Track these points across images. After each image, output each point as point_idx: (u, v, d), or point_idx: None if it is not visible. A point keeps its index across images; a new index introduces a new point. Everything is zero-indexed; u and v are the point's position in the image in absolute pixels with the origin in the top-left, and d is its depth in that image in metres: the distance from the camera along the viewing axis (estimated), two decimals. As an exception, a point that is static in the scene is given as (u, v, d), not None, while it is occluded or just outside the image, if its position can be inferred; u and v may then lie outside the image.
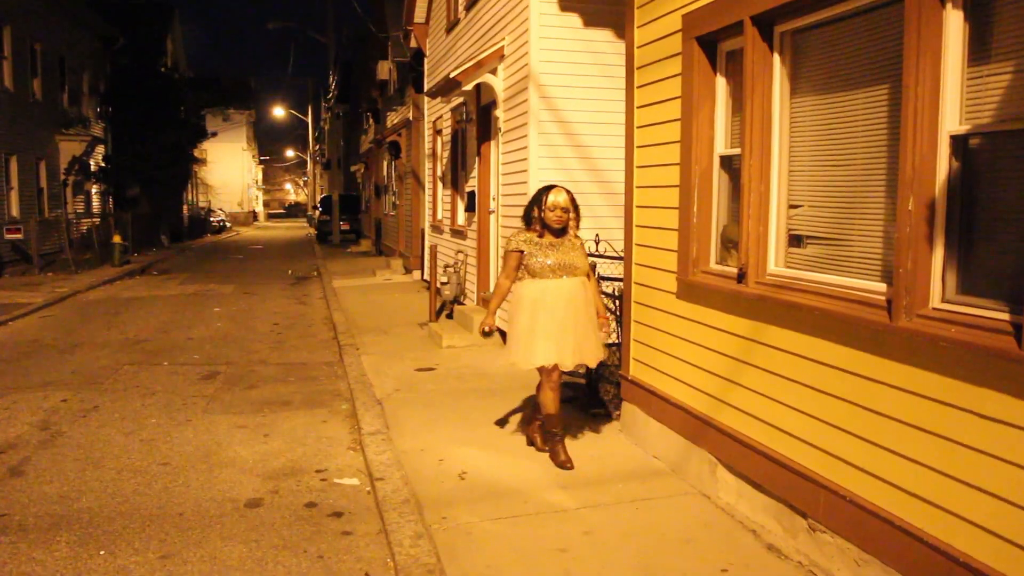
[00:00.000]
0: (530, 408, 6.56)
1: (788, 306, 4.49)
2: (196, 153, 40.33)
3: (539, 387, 6.11)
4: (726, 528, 4.89)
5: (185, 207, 43.70)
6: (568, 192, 5.96)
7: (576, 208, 5.99)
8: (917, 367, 3.61)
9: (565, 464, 5.87)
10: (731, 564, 4.40)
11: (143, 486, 5.86)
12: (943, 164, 3.60)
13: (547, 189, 5.97)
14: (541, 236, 5.92)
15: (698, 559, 4.47)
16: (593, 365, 6.32)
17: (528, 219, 6.00)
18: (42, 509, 5.44)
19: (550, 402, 6.00)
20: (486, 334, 6.09)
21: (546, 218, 5.87)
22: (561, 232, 5.93)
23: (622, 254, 6.81)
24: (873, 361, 3.87)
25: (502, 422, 7.06)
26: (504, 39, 10.28)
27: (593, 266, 6.69)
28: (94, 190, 30.02)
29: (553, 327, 5.81)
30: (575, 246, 5.96)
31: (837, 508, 4.09)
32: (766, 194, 4.83)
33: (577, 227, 6.01)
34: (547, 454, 6.07)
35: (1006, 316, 3.25)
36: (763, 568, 4.38)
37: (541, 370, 5.98)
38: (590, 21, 9.33)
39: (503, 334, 10.54)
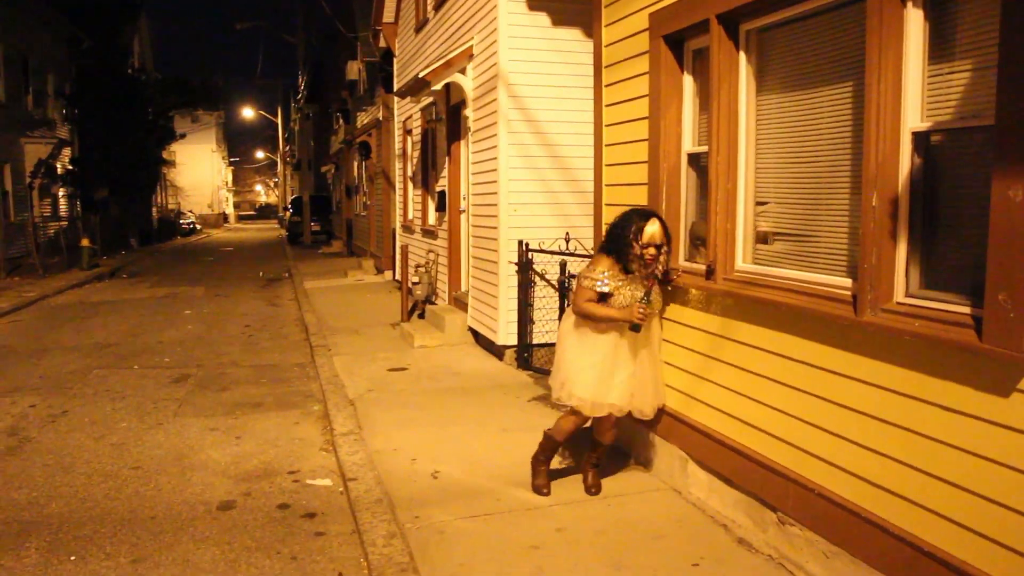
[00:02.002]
0: (587, 449, 5.52)
1: (756, 302, 4.53)
2: (165, 155, 39.95)
3: (564, 418, 5.33)
4: (697, 523, 4.93)
5: (154, 209, 43.33)
6: (662, 221, 5.02)
7: (670, 241, 5.09)
8: (882, 361, 3.66)
9: (591, 489, 5.40)
10: (702, 558, 4.43)
11: (114, 491, 5.82)
12: (905, 160, 3.66)
13: (644, 217, 4.98)
14: (627, 272, 5.00)
15: (670, 554, 4.51)
16: (650, 415, 5.31)
17: (620, 251, 4.99)
18: (11, 515, 5.38)
19: (566, 433, 5.34)
20: (637, 324, 4.93)
21: (642, 252, 4.93)
22: (650, 267, 5.01)
23: (592, 252, 6.83)
24: (840, 356, 3.92)
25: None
26: (473, 38, 10.29)
27: None
28: (61, 193, 29.69)
29: (626, 370, 5.11)
30: (657, 281, 5.09)
31: (806, 501, 4.14)
32: (733, 191, 4.88)
33: (667, 262, 5.13)
34: (557, 475, 5.55)
35: (967, 310, 3.31)
36: (734, 562, 4.42)
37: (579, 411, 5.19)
38: (558, 20, 9.35)
39: (475, 333, 10.59)
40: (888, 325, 3.60)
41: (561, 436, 5.34)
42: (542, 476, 5.44)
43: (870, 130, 3.70)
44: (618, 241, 5.00)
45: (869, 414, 3.73)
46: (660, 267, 5.02)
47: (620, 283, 4.98)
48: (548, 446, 5.43)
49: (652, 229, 4.91)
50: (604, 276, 5.00)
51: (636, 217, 4.98)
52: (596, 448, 5.43)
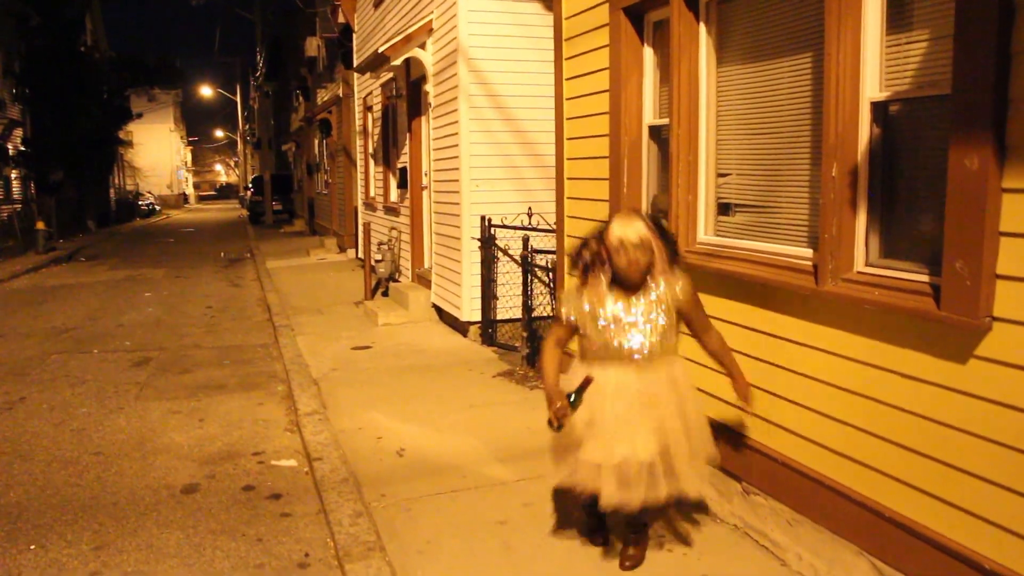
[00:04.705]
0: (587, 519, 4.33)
1: (718, 274, 4.54)
2: (122, 135, 39.24)
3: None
4: (663, 494, 4.95)
5: (112, 191, 42.61)
6: (646, 220, 3.73)
7: (666, 237, 3.77)
8: (843, 330, 3.69)
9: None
10: (667, 530, 4.46)
11: (75, 477, 5.73)
12: (865, 130, 3.67)
13: (610, 219, 3.80)
14: (604, 287, 3.78)
15: (636, 526, 4.53)
16: (694, 495, 3.93)
17: (578, 262, 3.81)
18: (-32, 504, 5.29)
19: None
20: (559, 427, 3.74)
21: (615, 263, 3.71)
22: (637, 284, 3.76)
23: (555, 227, 6.81)
24: (802, 326, 3.94)
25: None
26: (432, 12, 10.18)
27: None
28: (14, 175, 29.05)
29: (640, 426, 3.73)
30: (660, 302, 3.75)
31: (770, 471, 4.18)
32: (695, 163, 4.88)
33: (670, 267, 3.77)
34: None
35: (926, 278, 3.33)
36: (699, 531, 4.45)
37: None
38: (518, -7, 9.28)
39: (439, 310, 10.55)
40: (848, 294, 3.62)
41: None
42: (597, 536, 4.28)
43: (829, 100, 3.70)
44: (582, 248, 3.82)
45: (831, 383, 3.76)
46: (658, 275, 3.76)
47: (587, 312, 3.78)
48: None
49: (626, 226, 3.67)
50: (571, 300, 3.86)
51: (607, 221, 3.82)
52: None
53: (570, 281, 3.88)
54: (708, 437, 3.94)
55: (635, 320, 3.73)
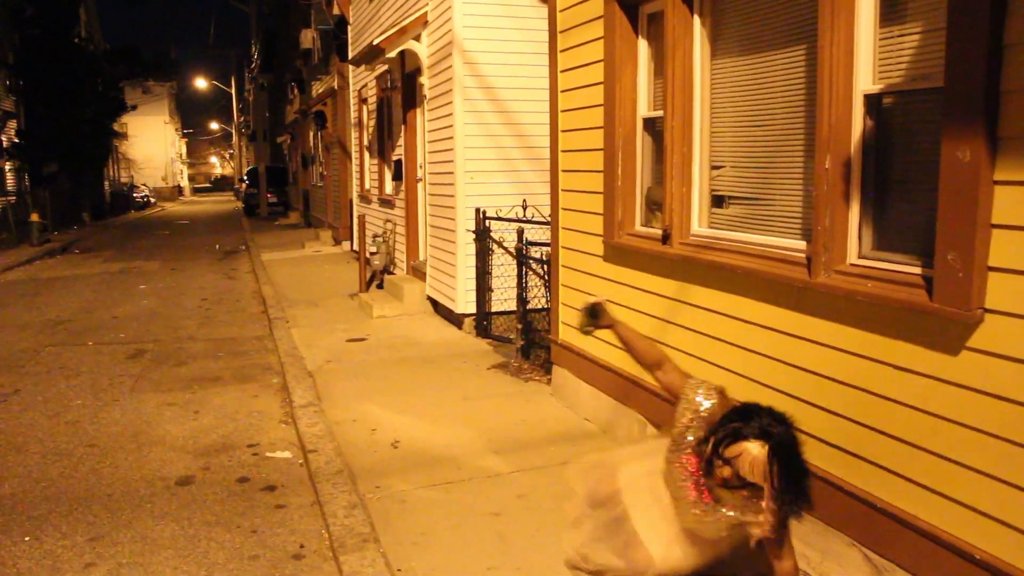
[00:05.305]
0: None
1: (712, 266, 4.55)
2: (116, 127, 39.19)
3: None
4: (657, 486, 4.97)
5: (107, 183, 42.55)
6: (774, 461, 2.79)
7: (777, 477, 2.78)
8: (836, 322, 3.70)
9: None
10: (662, 521, 4.47)
11: (69, 469, 5.73)
12: (858, 123, 3.67)
13: (746, 415, 2.93)
14: (695, 453, 3.10)
15: (630, 517, 4.54)
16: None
17: (706, 460, 2.98)
18: (-37, 496, 5.29)
19: None
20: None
21: (715, 468, 2.94)
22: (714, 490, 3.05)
23: (550, 219, 6.81)
24: (795, 317, 3.95)
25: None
26: (427, 4, 10.16)
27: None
28: (8, 167, 29.00)
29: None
30: (726, 518, 3.01)
31: (763, 462, 4.19)
32: (689, 155, 4.88)
33: (772, 516, 2.87)
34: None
35: (918, 270, 3.34)
36: (693, 523, 4.47)
37: None
38: (513, -15, 9.26)
39: (434, 302, 10.55)
40: (841, 286, 3.63)
41: None
42: None
43: (823, 93, 3.71)
44: (720, 423, 3.00)
45: (824, 375, 3.78)
46: (755, 521, 2.95)
47: (676, 460, 3.15)
48: None
49: (750, 448, 2.81)
50: (701, 407, 3.18)
51: (740, 413, 2.96)
52: None
53: (702, 406, 3.20)
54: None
55: (682, 508, 3.13)
